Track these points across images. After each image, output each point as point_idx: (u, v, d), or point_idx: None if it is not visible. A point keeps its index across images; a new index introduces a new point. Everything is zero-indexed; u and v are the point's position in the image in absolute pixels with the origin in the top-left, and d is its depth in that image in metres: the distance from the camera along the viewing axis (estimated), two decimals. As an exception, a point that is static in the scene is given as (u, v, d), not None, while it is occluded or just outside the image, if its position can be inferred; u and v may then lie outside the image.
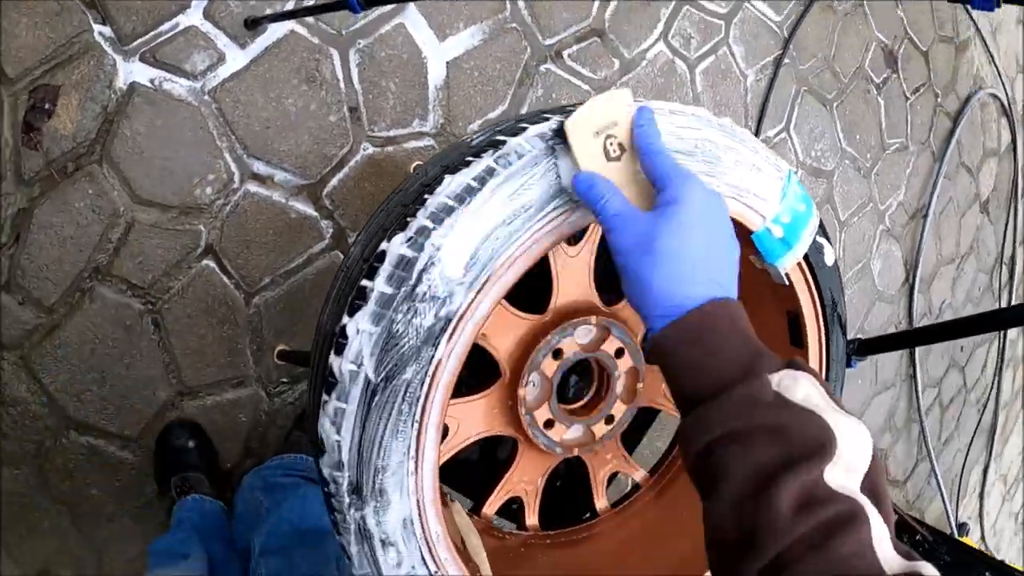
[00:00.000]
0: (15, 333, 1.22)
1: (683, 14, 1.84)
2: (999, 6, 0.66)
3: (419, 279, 0.55)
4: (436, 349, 0.57)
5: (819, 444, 0.40)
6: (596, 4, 1.72)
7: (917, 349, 2.27)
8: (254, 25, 1.33)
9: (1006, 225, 2.54)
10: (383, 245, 0.57)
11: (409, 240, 0.56)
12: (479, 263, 0.56)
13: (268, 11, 1.32)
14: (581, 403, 0.87)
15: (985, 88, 2.47)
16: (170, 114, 1.28)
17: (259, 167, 1.36)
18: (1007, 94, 2.54)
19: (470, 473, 0.94)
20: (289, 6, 1.35)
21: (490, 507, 0.88)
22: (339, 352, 0.57)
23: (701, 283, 0.47)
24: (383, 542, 0.62)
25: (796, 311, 0.81)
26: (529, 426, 0.79)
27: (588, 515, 0.97)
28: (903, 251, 2.26)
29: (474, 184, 0.56)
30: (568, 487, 1.04)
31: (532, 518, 0.93)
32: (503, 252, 0.57)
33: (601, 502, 0.96)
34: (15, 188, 1.20)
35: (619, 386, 0.82)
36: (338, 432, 0.58)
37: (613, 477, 0.95)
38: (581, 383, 0.89)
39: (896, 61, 2.21)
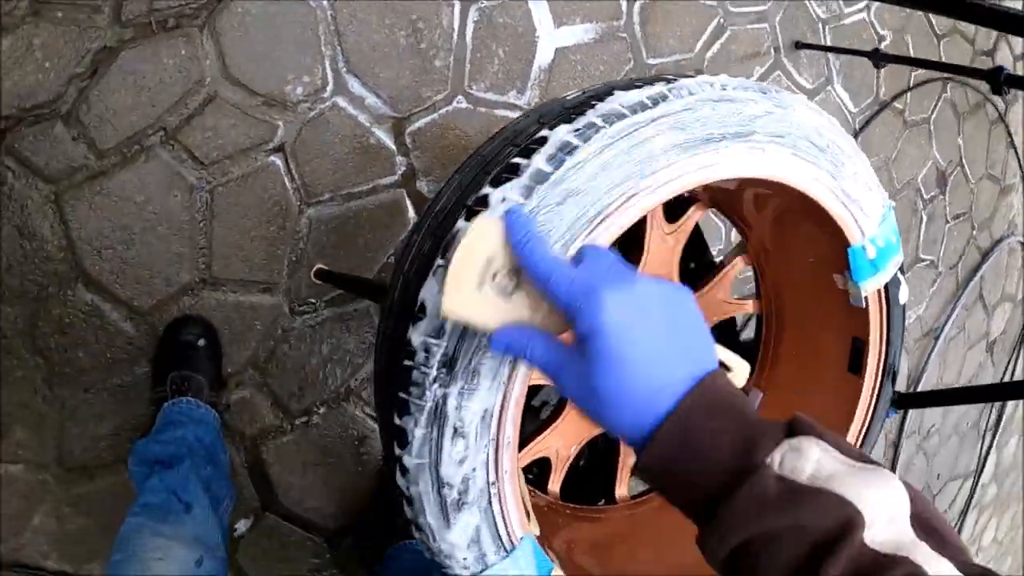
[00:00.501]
0: (58, 167, 1.15)
1: (773, 78, 1.90)
2: None
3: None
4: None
5: (843, 524, 0.37)
6: (700, 43, 1.76)
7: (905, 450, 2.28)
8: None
9: (1004, 370, 2.62)
10: (544, 132, 0.58)
11: (577, 131, 0.57)
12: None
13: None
14: None
15: (1016, 235, 2.57)
16: (286, 6, 1.25)
17: (355, 85, 1.33)
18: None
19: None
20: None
21: (622, 486, 0.89)
22: (468, 217, 0.56)
23: (661, 390, 0.42)
24: (456, 430, 0.58)
25: (863, 338, 0.82)
26: None
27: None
28: (909, 365, 2.31)
29: (647, 102, 0.59)
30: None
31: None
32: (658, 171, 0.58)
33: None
34: (108, 24, 1.15)
35: None
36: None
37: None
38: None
39: (946, 184, 2.29)
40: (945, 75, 2.17)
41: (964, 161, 2.37)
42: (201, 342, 1.22)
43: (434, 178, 1.43)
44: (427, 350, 0.56)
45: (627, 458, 0.96)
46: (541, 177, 0.55)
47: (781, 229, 0.87)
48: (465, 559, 0.63)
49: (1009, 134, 2.51)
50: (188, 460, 1.03)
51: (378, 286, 1.15)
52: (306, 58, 1.29)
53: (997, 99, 2.43)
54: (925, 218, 2.21)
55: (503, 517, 0.64)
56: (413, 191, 1.40)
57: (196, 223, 1.23)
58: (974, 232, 2.44)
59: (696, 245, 1.00)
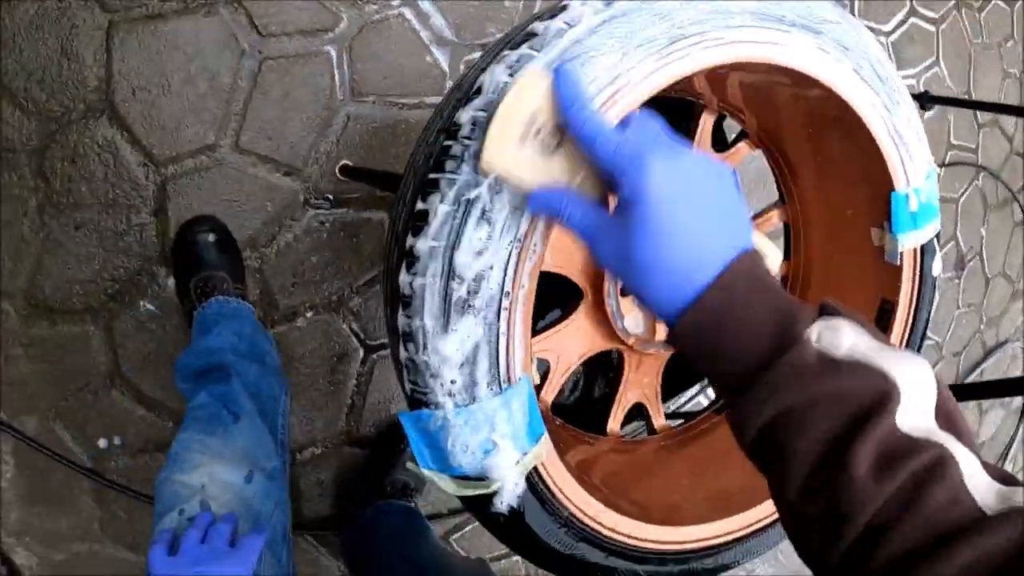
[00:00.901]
0: (131, 4, 1.14)
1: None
2: None
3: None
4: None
5: (880, 395, 0.37)
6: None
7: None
8: None
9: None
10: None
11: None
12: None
13: None
14: None
15: (1020, 342, 2.57)
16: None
17: (425, 3, 1.35)
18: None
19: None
20: None
21: (614, 421, 0.85)
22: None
23: (700, 264, 0.42)
24: (483, 213, 0.53)
25: (892, 300, 0.80)
26: (626, 335, 0.77)
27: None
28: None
29: None
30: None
31: (659, 419, 0.90)
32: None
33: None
34: None
35: None
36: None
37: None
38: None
39: (963, 269, 2.30)
40: (980, 165, 2.21)
41: (984, 253, 2.39)
42: (212, 237, 1.18)
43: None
44: (475, 123, 0.53)
45: (625, 392, 0.92)
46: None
47: (826, 172, 0.85)
48: (452, 382, 0.56)
49: (1031, 240, 2.55)
50: (231, 367, 0.97)
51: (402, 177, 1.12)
52: (385, -38, 1.30)
53: (1024, 199, 2.47)
54: (938, 297, 2.20)
55: (507, 344, 0.57)
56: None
57: (237, 88, 1.22)
58: (982, 326, 2.44)
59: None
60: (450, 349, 0.55)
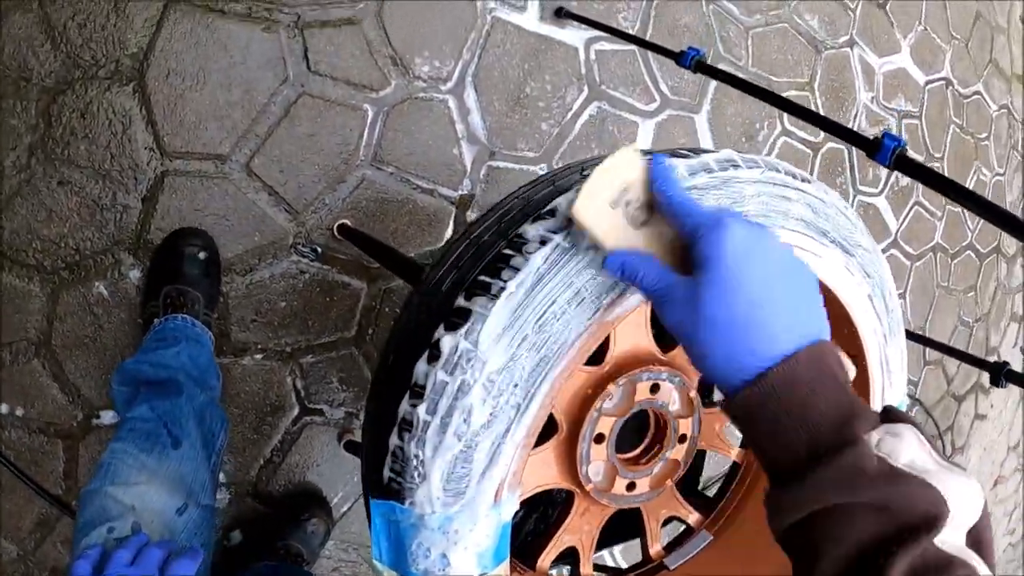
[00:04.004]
0: None
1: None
2: (892, 168, 0.76)
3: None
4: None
5: (931, 515, 0.38)
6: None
7: None
8: (561, 15, 1.45)
9: None
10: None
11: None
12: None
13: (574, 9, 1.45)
14: (637, 451, 0.86)
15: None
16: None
17: (470, 96, 1.43)
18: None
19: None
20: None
21: (545, 559, 0.86)
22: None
23: (768, 338, 0.42)
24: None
25: None
26: (587, 480, 0.79)
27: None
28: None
29: (794, 173, 0.65)
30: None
31: (587, 567, 0.91)
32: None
33: (656, 547, 0.92)
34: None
35: (677, 431, 0.81)
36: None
37: (668, 521, 0.92)
38: (636, 432, 0.88)
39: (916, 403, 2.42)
40: (916, 398, 2.36)
41: (919, 392, 2.51)
42: (202, 255, 1.17)
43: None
44: (543, 241, 0.55)
45: (564, 533, 0.92)
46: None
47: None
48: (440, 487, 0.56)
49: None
50: (183, 387, 0.95)
51: (403, 259, 1.13)
52: (447, 47, 1.36)
53: (948, 440, 2.63)
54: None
55: (506, 462, 0.57)
56: (461, 216, 1.43)
57: (267, 111, 1.23)
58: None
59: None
60: (449, 454, 0.55)
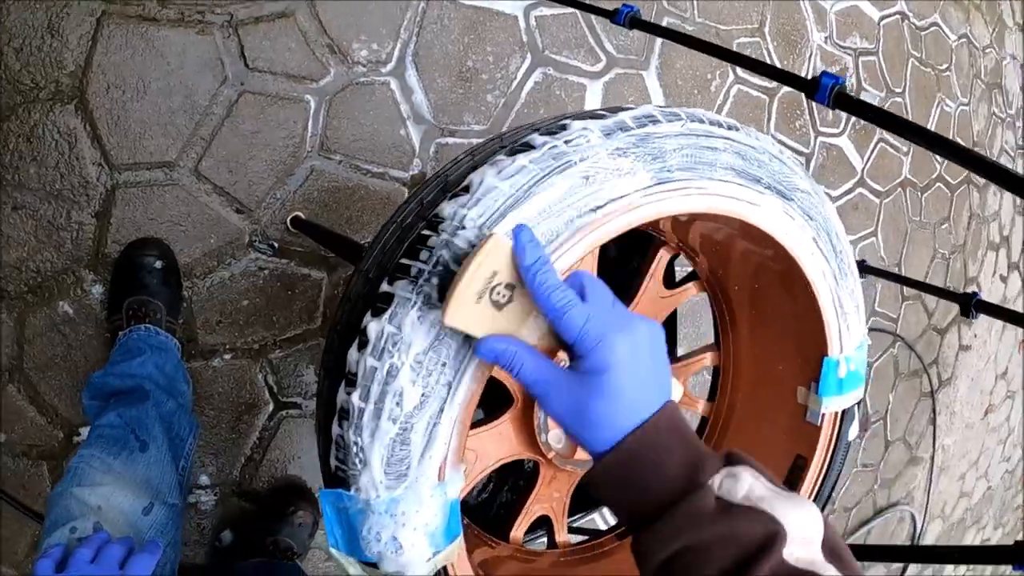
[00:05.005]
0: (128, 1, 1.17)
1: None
2: (832, 107, 0.78)
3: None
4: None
5: (769, 536, 0.43)
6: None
7: None
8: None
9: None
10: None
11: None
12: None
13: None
14: None
15: (910, 507, 2.75)
16: None
17: (411, 76, 1.44)
18: (921, 525, 2.84)
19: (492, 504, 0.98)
20: None
21: (518, 529, 0.89)
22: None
23: (635, 412, 0.49)
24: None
25: (807, 458, 0.86)
26: (547, 448, 0.82)
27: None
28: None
29: (723, 123, 0.68)
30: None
31: (562, 534, 0.94)
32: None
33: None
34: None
35: None
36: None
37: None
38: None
39: (866, 430, 2.48)
40: (897, 334, 2.41)
41: (888, 417, 2.57)
42: (159, 264, 1.20)
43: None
44: (456, 217, 0.56)
45: (534, 503, 0.95)
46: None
47: (764, 326, 0.93)
48: (382, 470, 0.58)
49: (934, 411, 2.76)
50: (150, 394, 0.99)
51: (357, 246, 1.15)
52: (384, 29, 1.38)
53: (933, 373, 2.68)
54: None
55: (444, 441, 0.59)
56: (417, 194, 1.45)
57: (210, 113, 1.25)
58: (875, 486, 2.60)
59: (669, 329, 1.05)
60: (386, 438, 0.57)
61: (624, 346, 0.49)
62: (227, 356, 1.31)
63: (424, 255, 0.56)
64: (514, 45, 1.54)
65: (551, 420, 0.85)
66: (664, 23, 1.78)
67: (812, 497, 0.87)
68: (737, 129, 0.67)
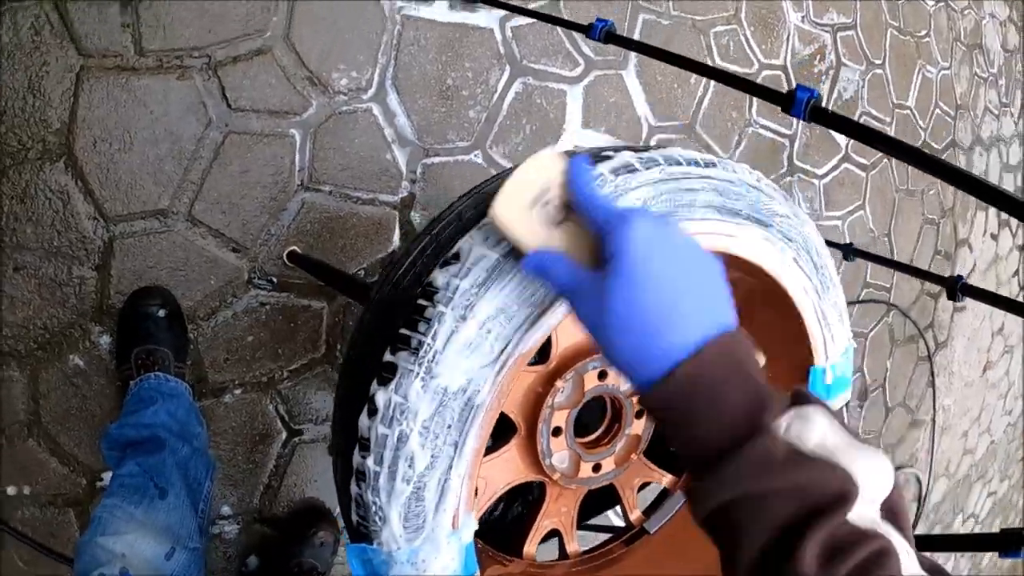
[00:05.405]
0: (97, 45, 1.19)
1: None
2: (808, 120, 0.79)
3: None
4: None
5: (840, 495, 0.40)
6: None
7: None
8: (470, 1, 1.48)
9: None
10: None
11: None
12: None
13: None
14: (598, 434, 0.92)
15: (915, 468, 2.81)
16: (362, 4, 1.38)
17: (393, 100, 1.46)
18: (926, 485, 2.91)
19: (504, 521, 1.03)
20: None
21: (531, 545, 0.92)
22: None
23: (675, 331, 0.44)
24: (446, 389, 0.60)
25: None
26: (552, 470, 0.85)
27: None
28: None
29: (699, 161, 0.70)
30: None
31: (572, 545, 0.98)
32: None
33: (635, 514, 0.98)
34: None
35: (632, 409, 0.88)
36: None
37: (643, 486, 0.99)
38: (600, 410, 0.94)
39: (866, 399, 2.53)
40: (891, 303, 2.45)
41: (887, 384, 2.63)
42: (162, 312, 1.23)
43: (428, 214, 1.51)
44: (450, 288, 0.60)
45: (543, 519, 0.99)
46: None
47: (753, 342, 0.97)
48: (401, 525, 0.63)
49: (932, 374, 2.82)
50: (165, 442, 1.04)
51: (351, 280, 1.19)
52: (361, 56, 1.40)
53: (929, 337, 2.73)
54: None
55: (456, 493, 0.64)
56: (405, 218, 1.49)
57: (198, 157, 1.28)
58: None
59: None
60: (402, 497, 0.62)
61: (651, 232, 0.45)
62: (237, 391, 1.36)
63: (423, 327, 0.60)
64: (492, 58, 1.56)
65: (554, 444, 0.89)
66: (640, 20, 1.80)
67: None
68: (714, 165, 0.70)
